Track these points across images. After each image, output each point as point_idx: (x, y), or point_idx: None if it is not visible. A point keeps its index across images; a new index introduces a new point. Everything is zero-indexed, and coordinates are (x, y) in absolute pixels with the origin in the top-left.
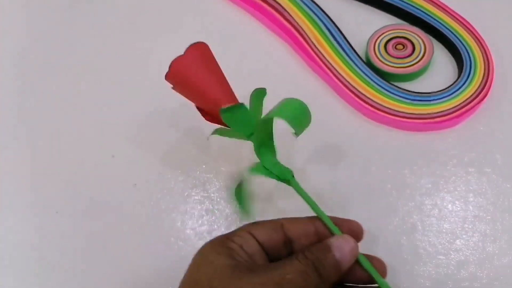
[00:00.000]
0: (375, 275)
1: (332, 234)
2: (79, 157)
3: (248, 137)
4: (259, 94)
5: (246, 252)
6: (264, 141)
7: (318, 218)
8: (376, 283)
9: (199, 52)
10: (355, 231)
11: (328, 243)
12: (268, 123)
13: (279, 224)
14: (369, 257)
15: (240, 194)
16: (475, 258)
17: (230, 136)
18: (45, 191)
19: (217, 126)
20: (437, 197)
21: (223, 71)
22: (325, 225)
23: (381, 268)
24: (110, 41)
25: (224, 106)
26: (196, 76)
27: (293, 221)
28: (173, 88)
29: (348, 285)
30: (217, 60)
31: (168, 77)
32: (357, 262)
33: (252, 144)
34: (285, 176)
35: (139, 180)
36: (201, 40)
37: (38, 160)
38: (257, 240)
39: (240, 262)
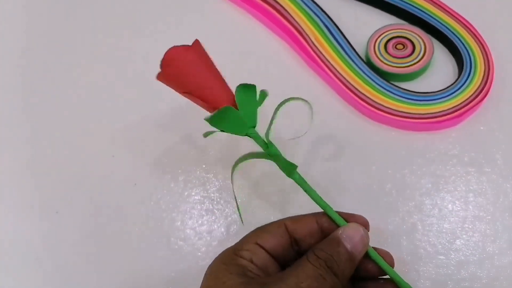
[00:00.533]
0: (385, 266)
1: (338, 226)
2: (79, 157)
3: (246, 135)
4: (248, 89)
5: (257, 265)
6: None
7: (321, 214)
8: (386, 275)
9: (194, 46)
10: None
11: (337, 235)
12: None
13: (283, 226)
14: (375, 250)
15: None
16: (475, 258)
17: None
18: (45, 191)
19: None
20: (437, 197)
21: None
22: (330, 218)
23: (389, 260)
24: (110, 41)
25: (211, 112)
26: (192, 66)
27: (296, 220)
28: (161, 76)
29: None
30: (217, 59)
31: (164, 63)
32: (366, 255)
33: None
34: (291, 169)
35: (139, 180)
36: (201, 40)
37: (38, 160)
38: (265, 250)
39: (252, 278)
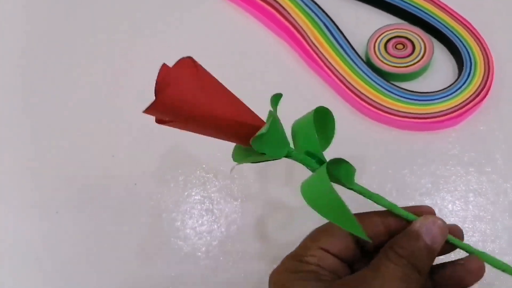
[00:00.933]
0: (466, 246)
1: (407, 223)
2: (79, 157)
3: (286, 156)
4: (276, 99)
5: (327, 269)
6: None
7: (386, 214)
8: (465, 251)
9: (190, 70)
10: None
11: (416, 229)
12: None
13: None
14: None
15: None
16: None
17: (260, 159)
18: (45, 191)
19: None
20: (437, 196)
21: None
22: (397, 216)
23: (460, 235)
24: (110, 41)
25: (255, 135)
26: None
27: (359, 220)
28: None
29: None
30: (217, 59)
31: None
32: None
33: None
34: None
35: (139, 180)
36: (200, 40)
37: (38, 160)
38: (331, 254)
39: (331, 281)
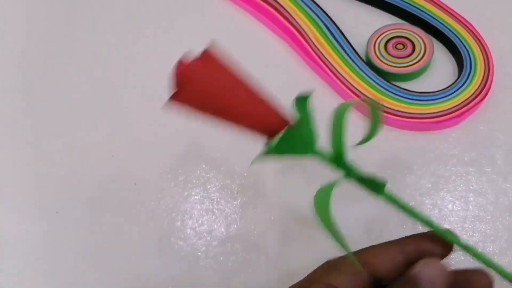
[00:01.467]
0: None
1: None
2: (80, 157)
3: (313, 153)
4: (305, 100)
5: None
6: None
7: (407, 241)
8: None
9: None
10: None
11: (414, 275)
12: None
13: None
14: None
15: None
16: None
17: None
18: (45, 191)
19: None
20: (437, 197)
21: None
22: (434, 238)
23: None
24: (110, 41)
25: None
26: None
27: (375, 252)
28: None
29: None
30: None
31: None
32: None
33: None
34: (379, 186)
35: (139, 180)
36: (200, 40)
37: (38, 160)
38: None
39: None
